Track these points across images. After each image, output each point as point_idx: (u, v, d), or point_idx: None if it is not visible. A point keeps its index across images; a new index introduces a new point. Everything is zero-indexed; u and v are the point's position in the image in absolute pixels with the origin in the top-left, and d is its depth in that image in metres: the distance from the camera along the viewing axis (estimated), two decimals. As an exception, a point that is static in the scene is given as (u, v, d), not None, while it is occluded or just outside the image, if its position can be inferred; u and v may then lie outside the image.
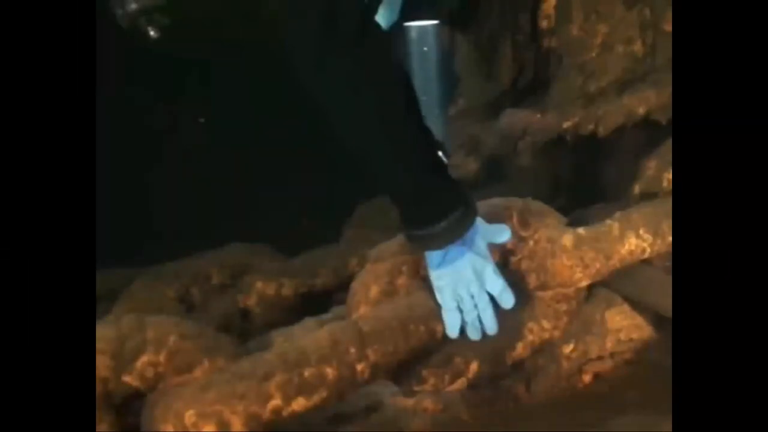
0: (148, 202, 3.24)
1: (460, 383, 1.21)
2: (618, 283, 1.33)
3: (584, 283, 1.29)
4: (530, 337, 1.27)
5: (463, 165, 2.77)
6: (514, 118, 2.55)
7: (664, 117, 2.01)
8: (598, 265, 1.27)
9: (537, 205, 1.34)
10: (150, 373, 1.02)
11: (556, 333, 1.29)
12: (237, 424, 1.00)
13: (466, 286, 1.18)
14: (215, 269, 2.14)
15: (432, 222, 1.15)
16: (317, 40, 1.08)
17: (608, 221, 1.30)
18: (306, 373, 1.05)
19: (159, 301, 2.04)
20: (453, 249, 1.18)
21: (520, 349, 1.26)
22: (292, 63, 1.10)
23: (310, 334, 1.13)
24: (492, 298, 1.20)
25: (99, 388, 0.98)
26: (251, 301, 2.03)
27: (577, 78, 2.35)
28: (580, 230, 1.28)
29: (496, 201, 1.33)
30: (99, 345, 0.99)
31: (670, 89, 1.95)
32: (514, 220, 1.30)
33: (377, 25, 1.18)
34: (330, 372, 1.06)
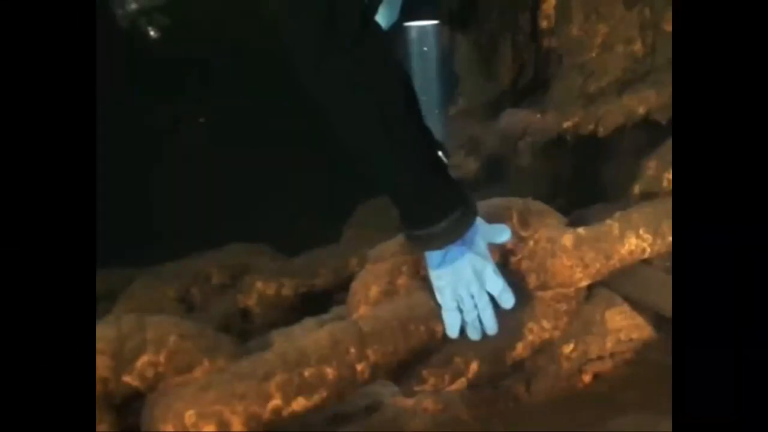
0: (149, 202, 3.24)
1: (460, 383, 1.21)
2: (618, 283, 1.33)
3: (584, 283, 1.29)
4: (530, 337, 1.27)
5: (463, 165, 2.77)
6: (514, 118, 2.55)
7: (664, 117, 2.01)
8: (598, 265, 1.27)
9: (537, 205, 1.34)
10: (150, 373, 1.02)
11: (556, 333, 1.29)
12: (237, 424, 1.00)
13: (466, 286, 1.18)
14: (215, 269, 2.14)
15: (432, 222, 1.15)
16: (317, 39, 1.08)
17: (608, 221, 1.30)
18: (306, 373, 1.05)
19: (159, 301, 2.05)
20: (453, 249, 1.18)
21: (520, 349, 1.26)
22: (291, 63, 1.10)
23: (310, 334, 1.12)
24: (492, 298, 1.20)
25: (99, 388, 0.98)
26: (251, 301, 2.03)
27: (577, 78, 2.35)
28: (580, 230, 1.28)
29: (496, 201, 1.33)
30: (99, 345, 0.99)
31: (670, 89, 1.95)
32: (514, 220, 1.30)
33: (377, 25, 1.18)
34: (330, 372, 1.06)
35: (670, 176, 1.46)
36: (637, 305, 1.34)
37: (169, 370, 1.03)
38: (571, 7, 2.36)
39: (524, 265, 1.29)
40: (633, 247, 1.28)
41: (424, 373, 1.20)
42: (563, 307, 1.29)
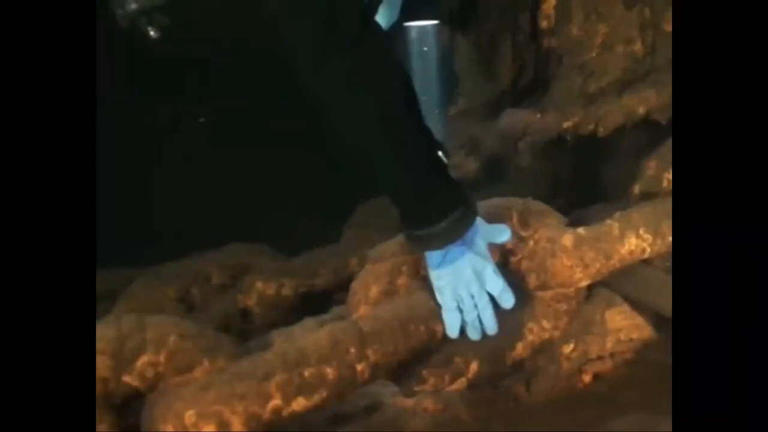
0: (149, 202, 3.24)
1: (460, 383, 1.21)
2: (618, 283, 1.33)
3: (584, 283, 1.29)
4: (530, 337, 1.27)
5: (463, 165, 2.77)
6: (514, 118, 2.55)
7: (664, 117, 2.01)
8: (598, 265, 1.27)
9: (537, 205, 1.34)
10: (150, 373, 1.02)
11: (556, 333, 1.29)
12: (237, 424, 1.00)
13: (466, 286, 1.18)
14: (215, 269, 2.14)
15: (432, 222, 1.15)
16: (317, 40, 1.08)
17: (608, 221, 1.30)
18: (306, 373, 1.05)
19: (159, 301, 2.05)
20: (453, 249, 1.18)
21: (520, 349, 1.26)
22: (292, 63, 1.10)
23: (310, 334, 1.12)
24: (492, 298, 1.20)
25: (99, 388, 0.98)
26: (251, 301, 2.03)
27: (577, 78, 2.35)
28: (580, 230, 1.28)
29: (496, 201, 1.33)
30: (99, 345, 0.99)
31: (670, 89, 1.96)
32: (514, 220, 1.30)
33: (377, 25, 1.18)
34: (330, 372, 1.06)
35: (670, 176, 1.46)
36: (637, 305, 1.34)
37: (169, 370, 1.03)
38: (571, 7, 2.36)
39: (524, 265, 1.29)
40: (633, 247, 1.28)
41: (424, 373, 1.20)
42: (563, 307, 1.29)
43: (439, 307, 1.19)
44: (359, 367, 1.09)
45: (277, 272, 2.08)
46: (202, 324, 1.14)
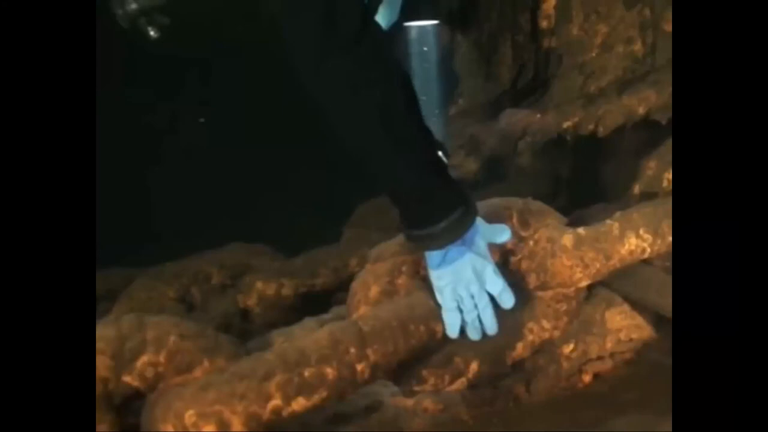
0: (148, 202, 3.24)
1: (460, 383, 1.21)
2: (618, 283, 1.33)
3: (584, 283, 1.29)
4: (530, 337, 1.27)
5: (463, 165, 2.77)
6: (514, 118, 2.55)
7: (664, 117, 2.01)
8: (598, 265, 1.27)
9: (537, 205, 1.34)
10: (150, 373, 1.02)
11: (556, 333, 1.29)
12: (237, 424, 1.00)
13: (466, 286, 1.18)
14: (215, 269, 2.14)
15: (432, 222, 1.15)
16: (317, 40, 1.08)
17: (608, 221, 1.30)
18: (306, 373, 1.05)
19: (159, 301, 2.05)
20: (453, 249, 1.18)
21: (520, 349, 1.26)
22: (292, 63, 1.10)
23: (310, 334, 1.12)
24: (492, 298, 1.20)
25: (99, 388, 0.98)
26: (251, 301, 2.03)
27: (577, 78, 2.35)
28: (580, 230, 1.28)
29: (496, 201, 1.33)
30: (99, 345, 0.99)
31: (670, 89, 1.96)
32: (514, 220, 1.30)
33: (377, 25, 1.18)
34: (330, 372, 1.06)
35: (670, 176, 1.46)
36: (637, 305, 1.34)
37: (169, 370, 1.03)
38: (571, 7, 2.37)
39: (524, 265, 1.29)
40: (633, 247, 1.28)
41: (424, 373, 1.20)
42: (563, 307, 1.29)
43: (439, 307, 1.19)
44: (359, 367, 1.09)
45: (277, 272, 2.08)
46: (202, 324, 1.14)
